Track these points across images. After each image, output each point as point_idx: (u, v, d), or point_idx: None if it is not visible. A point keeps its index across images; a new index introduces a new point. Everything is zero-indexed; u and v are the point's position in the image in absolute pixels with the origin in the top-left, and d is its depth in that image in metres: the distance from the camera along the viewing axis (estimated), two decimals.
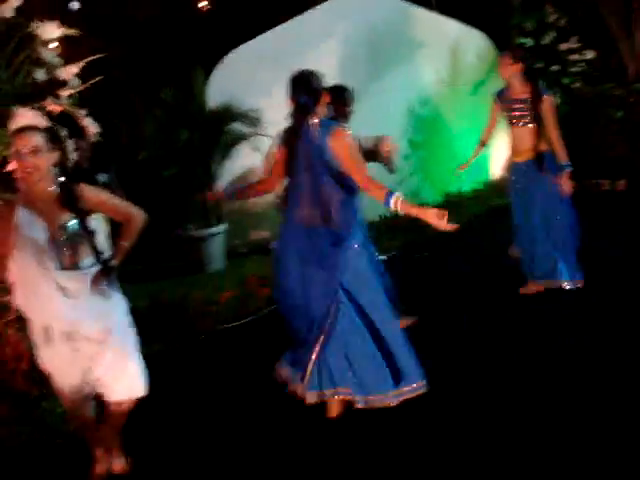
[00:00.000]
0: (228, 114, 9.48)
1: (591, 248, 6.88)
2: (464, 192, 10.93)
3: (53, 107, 4.71)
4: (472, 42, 12.06)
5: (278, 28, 11.12)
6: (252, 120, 9.55)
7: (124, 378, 3.99)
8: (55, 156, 3.81)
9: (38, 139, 3.71)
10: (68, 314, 3.83)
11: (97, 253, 3.92)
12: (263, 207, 11.17)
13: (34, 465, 4.58)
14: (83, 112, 4.89)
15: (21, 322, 4.89)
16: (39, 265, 3.77)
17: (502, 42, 12.40)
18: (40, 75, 4.89)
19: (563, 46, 11.41)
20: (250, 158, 10.52)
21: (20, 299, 3.88)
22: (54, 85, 4.86)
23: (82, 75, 5.15)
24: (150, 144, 8.34)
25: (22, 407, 4.96)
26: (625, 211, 9.42)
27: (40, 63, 4.90)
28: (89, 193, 3.93)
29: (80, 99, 5.11)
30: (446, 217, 4.10)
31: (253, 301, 7.20)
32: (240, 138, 9.73)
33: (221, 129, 9.48)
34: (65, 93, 4.85)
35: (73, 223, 3.85)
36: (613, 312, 5.93)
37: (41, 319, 3.85)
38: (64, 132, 4.77)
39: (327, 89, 4.70)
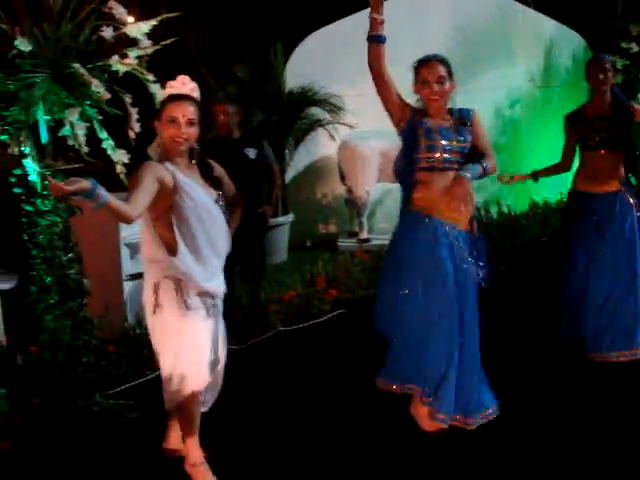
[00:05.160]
0: (307, 98, 8.93)
1: None
2: (550, 202, 10.17)
3: (119, 66, 4.16)
4: (568, 43, 11.60)
5: (366, 12, 10.56)
6: (333, 107, 9.01)
7: None
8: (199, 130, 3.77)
9: (195, 110, 3.72)
10: (221, 280, 3.91)
11: None
12: (331, 200, 10.74)
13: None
14: (151, 77, 4.32)
15: (63, 307, 4.44)
16: (208, 236, 3.76)
17: (600, 45, 11.75)
18: (107, 32, 4.33)
19: None
20: (324, 146, 10.07)
21: (184, 260, 3.69)
22: (122, 44, 4.32)
23: (154, 40, 4.59)
24: None
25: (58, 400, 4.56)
26: None
27: (109, 18, 4.34)
28: (218, 169, 3.97)
29: (149, 65, 4.57)
30: None
31: (319, 303, 6.72)
32: (317, 124, 9.19)
33: (298, 113, 8.95)
34: (133, 53, 4.28)
35: (220, 199, 3.86)
36: None
37: (205, 285, 3.77)
38: (128, 98, 4.34)
39: None
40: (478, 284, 4.31)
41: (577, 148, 5.53)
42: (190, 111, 3.68)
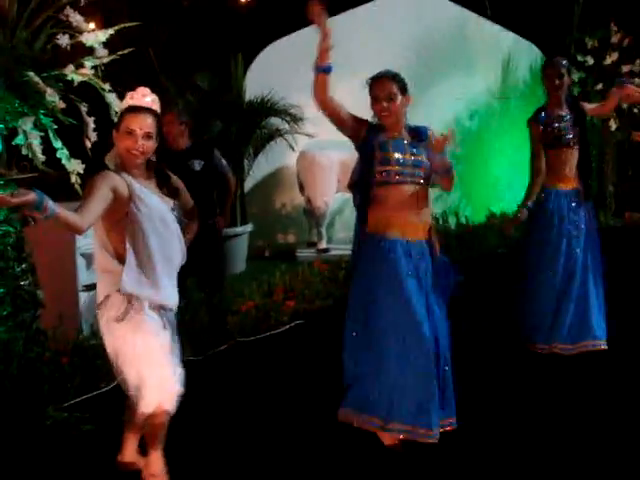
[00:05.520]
0: (267, 108, 8.94)
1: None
2: (507, 213, 10.24)
3: (75, 75, 4.12)
4: (525, 55, 11.74)
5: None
6: (292, 117, 9.02)
7: None
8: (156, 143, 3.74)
9: (153, 123, 3.67)
10: (172, 294, 3.83)
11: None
12: (290, 211, 10.74)
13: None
14: (107, 86, 4.29)
15: (16, 319, 4.38)
16: (162, 245, 3.71)
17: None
18: (64, 40, 4.30)
19: (625, 68, 10.71)
20: (283, 156, 10.07)
21: (131, 276, 3.64)
22: (78, 52, 4.28)
23: (114, 49, 4.57)
24: None
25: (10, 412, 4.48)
26: None
27: (65, 26, 4.30)
28: (175, 180, 3.96)
29: (106, 75, 4.55)
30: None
31: (277, 314, 6.68)
32: (276, 134, 9.19)
33: (257, 123, 8.94)
34: (89, 63, 4.25)
35: (176, 209, 3.81)
36: None
37: (157, 298, 3.73)
38: (84, 107, 4.31)
39: None
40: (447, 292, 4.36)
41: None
42: (148, 124, 3.63)
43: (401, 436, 4.19)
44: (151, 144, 3.66)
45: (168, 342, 3.75)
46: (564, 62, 5.61)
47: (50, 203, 3.12)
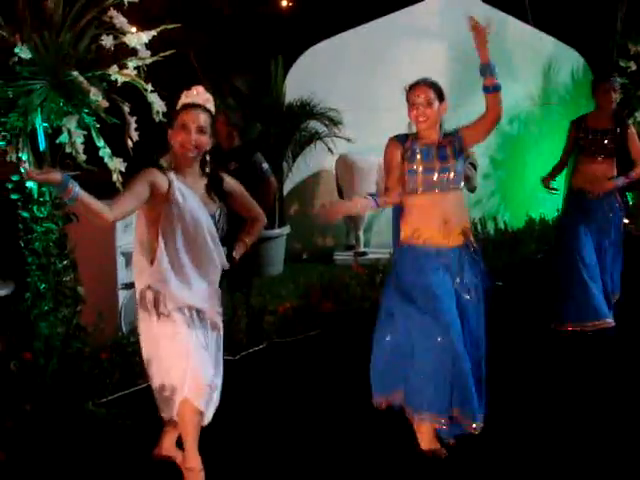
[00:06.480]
0: (306, 111, 8.97)
1: None
2: (546, 219, 10.18)
3: (118, 75, 4.19)
4: (566, 61, 11.66)
5: (364, 27, 10.59)
6: (331, 120, 9.04)
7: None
8: (211, 142, 3.79)
9: (207, 119, 3.74)
10: (204, 297, 3.84)
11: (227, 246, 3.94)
12: None
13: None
14: (149, 87, 4.35)
15: (57, 314, 4.46)
16: (192, 248, 3.74)
17: (599, 64, 11.79)
18: (108, 41, 4.36)
19: None
20: (322, 160, 10.09)
21: (159, 273, 3.70)
22: (121, 53, 4.35)
23: (156, 51, 4.64)
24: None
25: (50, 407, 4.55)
26: None
27: (109, 27, 4.37)
28: (230, 182, 3.98)
29: (150, 76, 4.61)
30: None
31: (313, 316, 6.70)
32: (315, 137, 9.22)
33: (297, 126, 8.97)
34: (132, 63, 4.31)
35: (220, 213, 3.86)
36: None
37: (187, 300, 3.77)
38: (127, 107, 4.37)
39: None
40: (485, 295, 4.36)
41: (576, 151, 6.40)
42: (201, 119, 3.70)
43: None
44: (205, 139, 3.71)
45: (197, 340, 3.77)
46: (616, 78, 6.34)
47: (76, 187, 3.22)
